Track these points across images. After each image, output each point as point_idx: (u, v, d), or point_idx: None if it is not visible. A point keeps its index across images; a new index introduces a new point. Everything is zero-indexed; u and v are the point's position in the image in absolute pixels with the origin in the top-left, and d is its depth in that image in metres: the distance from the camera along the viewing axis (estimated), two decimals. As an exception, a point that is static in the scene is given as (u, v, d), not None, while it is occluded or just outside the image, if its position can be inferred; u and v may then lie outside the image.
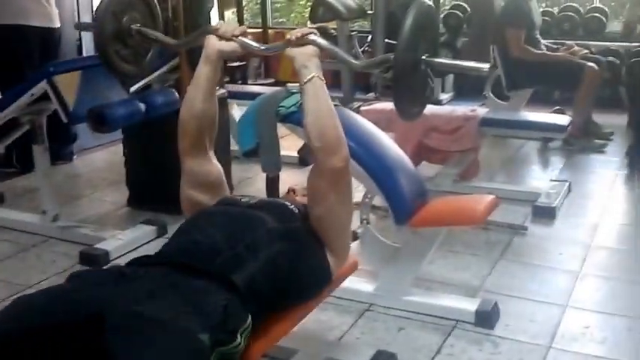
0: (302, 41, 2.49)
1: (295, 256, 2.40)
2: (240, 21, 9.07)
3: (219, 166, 2.76)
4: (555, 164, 6.45)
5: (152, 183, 5.05)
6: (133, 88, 4.67)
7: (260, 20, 10.34)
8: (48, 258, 4.47)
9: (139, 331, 1.91)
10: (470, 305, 3.65)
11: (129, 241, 4.52)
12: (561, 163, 6.43)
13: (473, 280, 4.10)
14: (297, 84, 3.77)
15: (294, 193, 3.03)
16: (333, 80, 8.75)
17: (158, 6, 3.33)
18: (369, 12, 8.63)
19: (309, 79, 2.43)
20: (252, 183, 5.72)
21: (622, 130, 7.05)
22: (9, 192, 5.63)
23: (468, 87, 8.71)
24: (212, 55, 2.61)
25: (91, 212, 5.27)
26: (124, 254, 4.40)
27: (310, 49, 2.48)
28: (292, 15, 12.81)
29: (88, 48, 6.79)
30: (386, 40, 8.31)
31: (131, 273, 2.20)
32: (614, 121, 7.17)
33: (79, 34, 6.86)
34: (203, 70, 2.62)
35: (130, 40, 3.08)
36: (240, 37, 2.60)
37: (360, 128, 3.72)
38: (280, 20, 12.26)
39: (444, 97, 8.78)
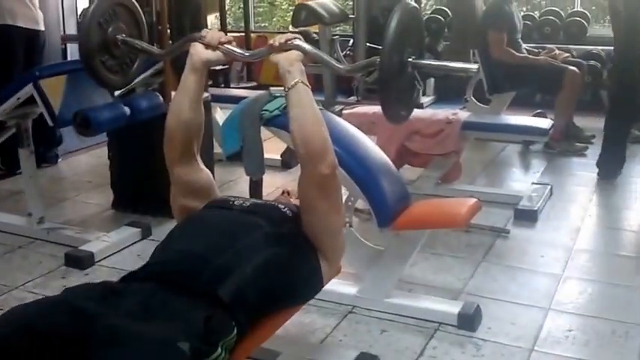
0: (285, 46, 2.48)
1: (288, 262, 2.41)
2: (224, 25, 9.05)
3: (207, 170, 2.76)
4: (536, 167, 6.48)
5: (136, 185, 5.06)
6: (117, 92, 4.68)
7: (242, 24, 10.35)
8: (34, 259, 4.48)
9: (119, 343, 1.92)
10: (452, 308, 3.67)
11: (114, 243, 4.54)
12: (542, 166, 6.47)
13: (455, 283, 4.12)
14: (281, 88, 3.81)
15: (289, 194, 3.04)
16: (315, 84, 8.68)
17: (142, 13, 3.32)
18: (351, 16, 8.65)
19: (293, 85, 2.42)
20: (235, 186, 5.73)
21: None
22: (-5, 195, 5.67)
23: (449, 90, 8.76)
24: (198, 63, 2.60)
25: (76, 214, 5.29)
26: (109, 256, 4.46)
27: (294, 54, 2.47)
28: (274, 19, 12.82)
29: (73, 52, 6.77)
30: (368, 44, 8.37)
31: (121, 289, 2.21)
32: (595, 124, 7.15)
33: (64, 39, 6.87)
34: (189, 79, 2.60)
35: (115, 50, 3.07)
36: (225, 45, 2.60)
37: (343, 131, 3.73)
38: (262, 25, 12.28)
39: (426, 100, 8.80)
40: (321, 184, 2.44)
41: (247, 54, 2.69)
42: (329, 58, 2.61)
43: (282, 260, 2.40)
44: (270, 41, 2.53)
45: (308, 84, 2.45)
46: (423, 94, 8.82)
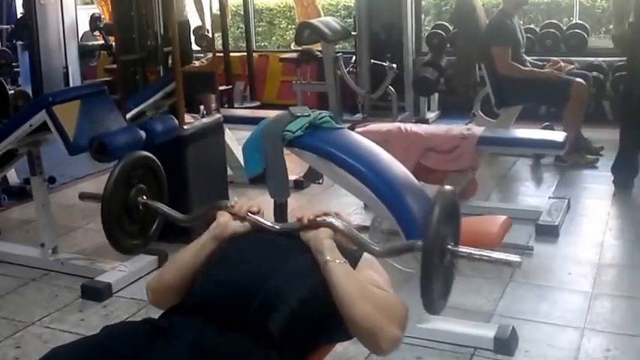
0: (315, 223, 2.37)
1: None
2: (225, 45, 9.03)
3: None
4: (550, 181, 6.40)
5: (150, 211, 4.92)
6: (129, 115, 4.60)
7: (241, 44, 10.33)
8: (49, 292, 4.35)
9: None
10: (487, 331, 3.58)
11: (131, 273, 4.42)
12: (556, 180, 6.39)
13: (485, 304, 4.03)
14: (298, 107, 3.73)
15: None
16: (319, 101, 8.73)
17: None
18: (353, 33, 8.63)
19: (324, 266, 2.26)
20: (247, 209, 5.61)
21: (610, 145, 6.97)
22: (3, 224, 5.51)
23: (453, 105, 8.70)
24: (224, 234, 2.44)
25: (88, 243, 5.13)
26: (127, 286, 4.34)
27: (324, 232, 2.34)
28: (273, 38, 12.78)
29: (75, 76, 6.70)
30: (372, 61, 8.32)
31: (166, 327, 2.10)
32: (600, 135, 7.17)
33: (66, 62, 6.77)
34: (208, 246, 2.43)
35: (135, 213, 2.96)
36: (253, 215, 2.47)
37: (367, 150, 3.65)
38: (262, 44, 12.23)
39: (431, 115, 8.75)
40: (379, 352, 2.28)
41: (277, 227, 2.51)
42: (361, 238, 2.46)
43: (327, 290, 2.27)
44: (301, 215, 2.40)
45: (340, 259, 2.29)
46: (428, 109, 8.78)
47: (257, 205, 2.50)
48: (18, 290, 4.40)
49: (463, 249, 2.37)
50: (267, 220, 2.49)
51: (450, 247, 2.35)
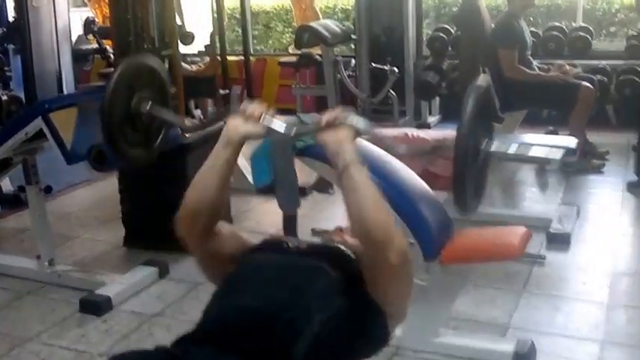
0: (334, 124, 2.18)
1: (355, 311, 2.14)
2: (223, 48, 8.89)
3: (231, 230, 2.42)
4: (556, 187, 6.25)
5: (150, 220, 4.74)
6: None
7: (236, 47, 10.17)
8: (46, 306, 4.18)
9: None
10: (505, 346, 3.46)
11: (131, 285, 4.27)
12: (562, 186, 6.26)
13: (500, 317, 3.91)
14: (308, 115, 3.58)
15: (342, 232, 2.76)
16: (318, 106, 8.59)
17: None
18: (353, 36, 8.50)
19: (343, 170, 2.11)
20: (250, 216, 5.50)
21: (615, 149, 6.88)
22: (-3, 234, 5.35)
23: (455, 109, 8.52)
24: (235, 138, 2.23)
25: (85, 254, 4.97)
26: (127, 299, 4.19)
27: (344, 133, 2.16)
28: (269, 42, 12.64)
29: (68, 80, 6.54)
30: (373, 65, 8.19)
31: (180, 356, 1.96)
32: (604, 140, 7.05)
33: (59, 66, 6.61)
34: (223, 155, 2.24)
35: (139, 122, 2.77)
36: (265, 117, 2.25)
37: (379, 159, 3.51)
38: (259, 47, 12.08)
39: (432, 119, 8.61)
40: (391, 273, 2.12)
41: (293, 133, 2.32)
42: (386, 139, 2.29)
43: (350, 310, 2.13)
44: (319, 119, 2.22)
45: (361, 164, 2.13)
46: (430, 113, 8.65)
47: (271, 109, 2.28)
48: (13, 304, 4.24)
49: (497, 149, 2.20)
50: (282, 122, 2.27)
51: (483, 147, 2.18)
